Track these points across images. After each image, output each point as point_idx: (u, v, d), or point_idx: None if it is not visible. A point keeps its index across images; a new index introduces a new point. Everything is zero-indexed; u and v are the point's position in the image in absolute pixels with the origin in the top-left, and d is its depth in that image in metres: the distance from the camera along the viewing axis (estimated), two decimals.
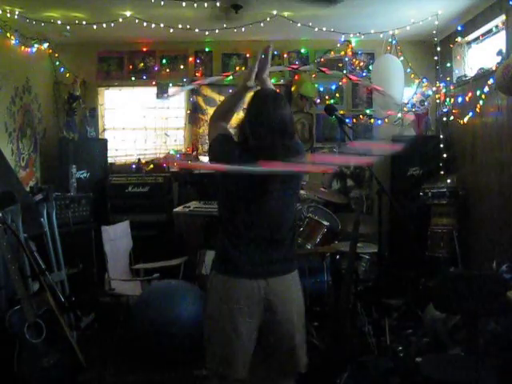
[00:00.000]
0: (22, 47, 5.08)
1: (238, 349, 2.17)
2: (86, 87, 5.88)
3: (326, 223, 4.51)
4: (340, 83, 5.97)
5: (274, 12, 4.87)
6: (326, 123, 6.01)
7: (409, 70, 5.56)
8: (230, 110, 2.35)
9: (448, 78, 5.36)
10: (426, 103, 5.74)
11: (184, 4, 4.50)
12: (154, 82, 5.96)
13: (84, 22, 4.99)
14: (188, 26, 5.19)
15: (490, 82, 4.33)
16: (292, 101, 5.98)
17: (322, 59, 5.92)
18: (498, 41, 4.58)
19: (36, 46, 5.31)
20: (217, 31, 5.27)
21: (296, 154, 2.19)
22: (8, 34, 4.77)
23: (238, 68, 5.96)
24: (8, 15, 4.66)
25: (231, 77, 2.60)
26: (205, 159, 5.84)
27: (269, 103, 2.15)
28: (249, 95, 2.29)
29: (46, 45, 5.55)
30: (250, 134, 2.15)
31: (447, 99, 5.33)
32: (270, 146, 2.10)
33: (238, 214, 2.18)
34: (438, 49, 5.43)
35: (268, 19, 4.96)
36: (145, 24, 5.01)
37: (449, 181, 5.06)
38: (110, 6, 4.67)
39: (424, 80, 5.62)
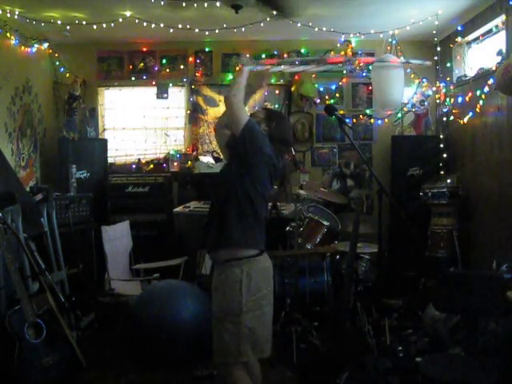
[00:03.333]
0: (22, 47, 5.09)
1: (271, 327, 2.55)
2: (86, 87, 5.88)
3: (326, 223, 4.51)
4: (340, 83, 5.97)
5: (274, 12, 4.86)
6: (326, 123, 6.02)
7: (409, 70, 5.56)
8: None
9: (448, 78, 5.36)
10: (425, 103, 5.74)
11: (184, 4, 4.50)
12: (153, 82, 5.97)
13: (84, 22, 4.99)
14: (188, 26, 5.20)
15: (490, 82, 4.33)
16: (292, 101, 6.00)
17: None
18: (498, 41, 4.58)
19: (36, 45, 5.32)
20: (217, 31, 5.27)
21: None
22: (8, 34, 4.77)
23: (237, 68, 5.96)
24: (8, 15, 4.66)
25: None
26: (205, 159, 5.83)
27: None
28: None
29: (45, 45, 5.56)
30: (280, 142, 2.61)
31: (447, 99, 5.33)
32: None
33: (263, 202, 2.56)
34: (438, 49, 5.43)
35: (268, 19, 4.95)
36: (145, 24, 5.01)
37: (449, 181, 5.06)
38: (109, 6, 4.66)
39: (424, 80, 5.62)
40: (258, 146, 2.46)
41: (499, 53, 4.32)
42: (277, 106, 5.98)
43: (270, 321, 2.54)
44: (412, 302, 4.55)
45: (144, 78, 6.00)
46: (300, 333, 3.97)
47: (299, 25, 5.10)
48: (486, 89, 4.42)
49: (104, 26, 5.01)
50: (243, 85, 2.54)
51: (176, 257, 4.65)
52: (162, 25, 5.06)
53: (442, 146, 5.37)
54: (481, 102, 4.55)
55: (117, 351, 3.90)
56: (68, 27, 5.08)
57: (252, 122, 2.48)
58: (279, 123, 2.66)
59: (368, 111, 5.96)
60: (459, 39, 5.19)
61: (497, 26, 4.59)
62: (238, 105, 2.48)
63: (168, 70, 6.01)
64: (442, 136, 5.45)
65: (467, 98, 4.79)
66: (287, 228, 4.55)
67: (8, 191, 3.65)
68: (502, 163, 4.37)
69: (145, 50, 6.01)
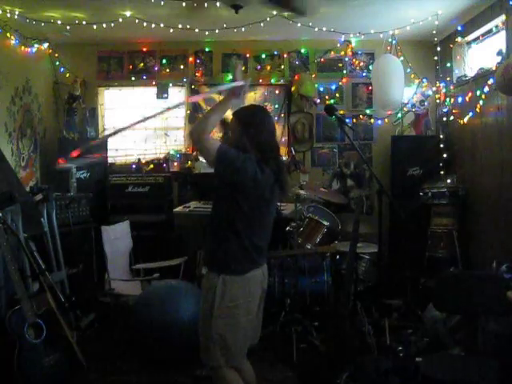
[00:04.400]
0: (22, 47, 5.09)
1: (248, 339, 2.49)
2: (86, 87, 5.88)
3: (326, 223, 4.51)
4: (340, 83, 5.97)
5: (274, 12, 4.86)
6: (326, 123, 6.01)
7: (409, 70, 5.56)
8: (217, 121, 2.46)
9: (448, 78, 5.36)
10: (425, 103, 5.74)
11: (184, 4, 4.50)
12: (153, 82, 5.97)
13: (84, 22, 4.99)
14: (188, 26, 5.20)
15: (490, 82, 4.33)
16: (292, 101, 6.00)
17: (322, 59, 5.93)
18: (498, 41, 4.58)
19: (36, 46, 5.32)
20: (217, 31, 5.27)
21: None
22: (8, 34, 4.77)
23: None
24: (8, 15, 4.66)
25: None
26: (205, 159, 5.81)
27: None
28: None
29: (45, 45, 5.56)
30: (265, 146, 2.43)
31: (447, 99, 5.33)
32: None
33: (255, 225, 2.45)
34: (438, 49, 5.43)
35: (268, 19, 4.96)
36: (145, 24, 5.01)
37: (449, 181, 5.07)
38: (109, 5, 4.66)
39: (424, 80, 5.62)
40: (237, 170, 2.30)
41: (499, 53, 4.32)
42: (277, 105, 5.98)
43: (248, 332, 2.46)
44: (412, 301, 4.55)
45: (144, 77, 6.00)
46: (300, 333, 3.97)
47: (299, 25, 5.10)
48: (486, 89, 4.42)
49: (104, 25, 5.01)
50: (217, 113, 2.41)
51: (176, 257, 4.65)
52: (162, 25, 5.06)
53: (442, 146, 5.37)
54: (481, 102, 4.55)
55: (117, 351, 3.90)
56: (68, 27, 5.08)
57: (223, 148, 2.30)
58: (257, 128, 2.43)
59: (368, 111, 5.96)
60: (459, 39, 5.19)
61: (497, 26, 4.59)
62: (205, 140, 2.31)
63: (168, 70, 6.01)
64: (442, 136, 5.45)
65: (467, 98, 4.78)
66: (287, 228, 4.55)
67: (8, 191, 3.65)
68: (502, 163, 4.37)
69: (145, 50, 6.00)
